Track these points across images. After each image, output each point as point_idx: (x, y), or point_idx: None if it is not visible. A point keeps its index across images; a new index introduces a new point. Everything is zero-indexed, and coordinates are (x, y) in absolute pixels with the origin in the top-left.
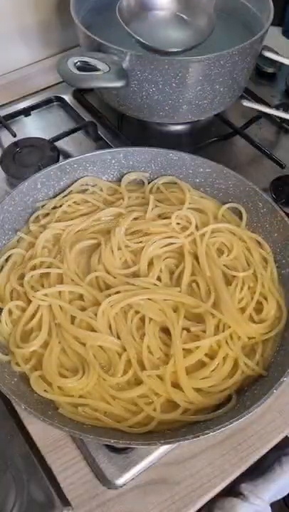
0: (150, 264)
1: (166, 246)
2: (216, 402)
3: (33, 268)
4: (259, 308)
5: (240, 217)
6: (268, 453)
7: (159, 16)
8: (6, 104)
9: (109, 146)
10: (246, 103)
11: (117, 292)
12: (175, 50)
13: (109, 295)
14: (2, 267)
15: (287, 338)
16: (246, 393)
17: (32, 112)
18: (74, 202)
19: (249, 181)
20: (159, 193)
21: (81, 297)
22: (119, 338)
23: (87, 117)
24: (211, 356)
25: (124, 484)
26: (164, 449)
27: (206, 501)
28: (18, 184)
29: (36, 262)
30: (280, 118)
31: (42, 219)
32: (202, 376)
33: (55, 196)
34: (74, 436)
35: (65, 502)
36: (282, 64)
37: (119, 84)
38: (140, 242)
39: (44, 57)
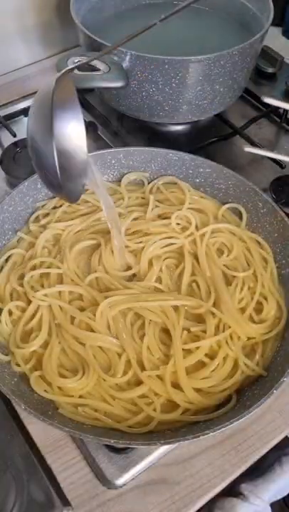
0: (150, 264)
1: (166, 246)
2: (216, 403)
3: (33, 268)
4: (259, 309)
5: (240, 218)
6: (268, 453)
7: None
8: (6, 104)
9: (109, 146)
10: (248, 149)
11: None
12: None
13: (109, 296)
14: (2, 267)
15: (287, 338)
16: (246, 393)
17: None
18: None
19: (249, 181)
20: (159, 193)
21: (81, 297)
22: (118, 338)
23: (87, 117)
24: (211, 356)
25: (124, 484)
26: (164, 449)
27: (206, 501)
28: (18, 184)
29: (36, 262)
30: (280, 118)
31: (42, 219)
32: (202, 376)
33: (55, 196)
34: (74, 436)
35: (65, 502)
36: (281, 66)
37: (119, 84)
38: (140, 242)
39: (44, 57)
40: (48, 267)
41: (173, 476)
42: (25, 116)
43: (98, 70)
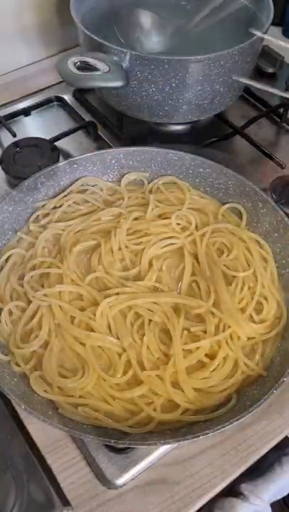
0: (150, 264)
1: (166, 246)
2: (216, 402)
3: (33, 268)
4: (259, 309)
5: (240, 217)
6: (268, 453)
7: None
8: (6, 104)
9: (109, 146)
10: (242, 79)
11: (117, 293)
12: None
13: (109, 295)
14: (2, 267)
15: (287, 338)
16: (246, 393)
17: (32, 112)
18: (74, 202)
19: (249, 181)
20: (159, 193)
21: (81, 297)
22: (118, 338)
23: (87, 117)
24: (211, 356)
25: (124, 484)
26: (163, 449)
27: (206, 501)
28: (18, 184)
29: (36, 262)
30: (280, 118)
31: (42, 219)
32: (202, 376)
33: (55, 196)
34: (74, 436)
35: (65, 502)
36: (281, 66)
37: (119, 84)
38: (140, 242)
39: (44, 57)
40: (48, 267)
41: (173, 476)
42: (26, 116)
43: (98, 70)
